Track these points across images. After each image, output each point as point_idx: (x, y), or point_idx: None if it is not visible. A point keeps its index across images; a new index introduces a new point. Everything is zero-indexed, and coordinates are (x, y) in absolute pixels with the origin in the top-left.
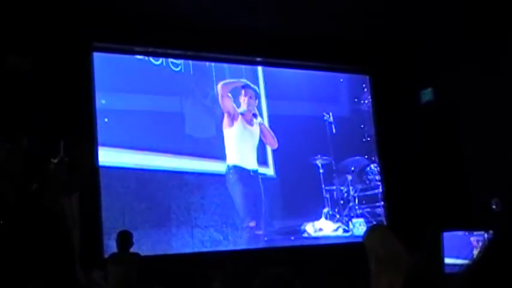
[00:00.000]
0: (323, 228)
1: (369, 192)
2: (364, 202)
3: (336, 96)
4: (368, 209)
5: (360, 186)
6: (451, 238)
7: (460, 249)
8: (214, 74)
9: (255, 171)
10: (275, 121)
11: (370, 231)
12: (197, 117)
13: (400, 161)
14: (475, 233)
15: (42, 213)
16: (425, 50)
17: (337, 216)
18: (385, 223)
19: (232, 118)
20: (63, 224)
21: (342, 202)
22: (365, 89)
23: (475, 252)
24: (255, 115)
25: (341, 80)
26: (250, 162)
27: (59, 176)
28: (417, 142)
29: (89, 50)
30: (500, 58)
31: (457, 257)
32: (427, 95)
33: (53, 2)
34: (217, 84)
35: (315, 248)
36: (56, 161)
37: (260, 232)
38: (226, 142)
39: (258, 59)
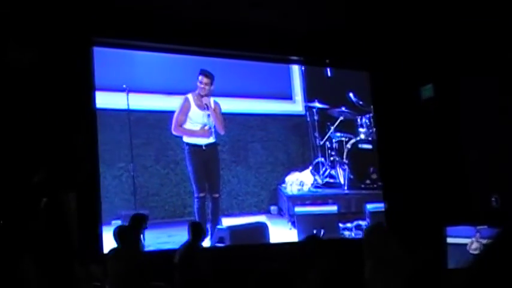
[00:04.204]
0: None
1: None
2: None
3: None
4: None
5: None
6: None
7: None
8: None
9: None
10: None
11: (371, 230)
12: None
13: (400, 158)
14: (477, 227)
15: (42, 208)
16: (425, 46)
17: None
18: (385, 221)
19: None
20: (62, 219)
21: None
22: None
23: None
24: None
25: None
26: None
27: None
28: (417, 138)
29: (89, 44)
30: (501, 54)
31: None
32: (427, 91)
33: None
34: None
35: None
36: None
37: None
38: None
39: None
